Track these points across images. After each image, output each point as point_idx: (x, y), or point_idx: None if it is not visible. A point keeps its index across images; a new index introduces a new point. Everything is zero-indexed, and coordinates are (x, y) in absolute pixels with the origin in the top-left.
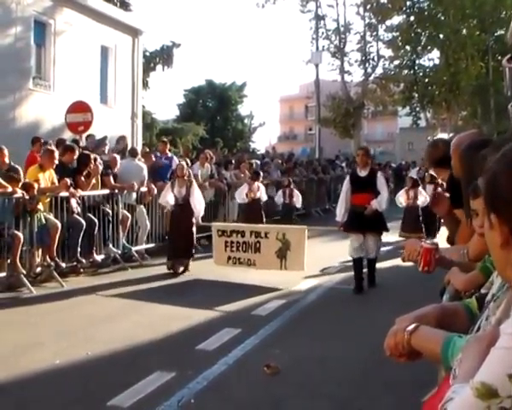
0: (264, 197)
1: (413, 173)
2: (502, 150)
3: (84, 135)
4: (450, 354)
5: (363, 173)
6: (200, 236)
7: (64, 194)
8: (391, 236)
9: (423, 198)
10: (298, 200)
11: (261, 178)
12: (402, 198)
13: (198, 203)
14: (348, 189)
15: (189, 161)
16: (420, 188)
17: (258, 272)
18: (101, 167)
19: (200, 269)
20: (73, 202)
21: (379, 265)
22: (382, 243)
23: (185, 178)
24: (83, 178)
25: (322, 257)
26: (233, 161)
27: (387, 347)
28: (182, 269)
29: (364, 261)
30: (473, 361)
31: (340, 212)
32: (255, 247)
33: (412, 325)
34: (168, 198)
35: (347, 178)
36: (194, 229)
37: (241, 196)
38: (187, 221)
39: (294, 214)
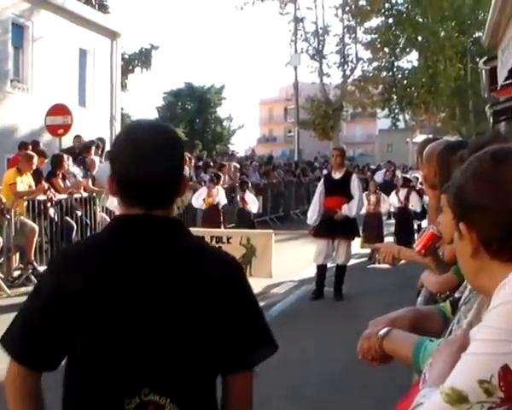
0: (224, 201)
1: (379, 176)
2: (468, 160)
3: (71, 135)
4: (421, 357)
5: (337, 175)
6: None
7: (41, 197)
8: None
9: (387, 205)
10: (253, 205)
11: (221, 182)
12: None
13: None
14: (322, 191)
15: None
16: (382, 194)
17: None
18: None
19: None
20: (51, 210)
21: (358, 269)
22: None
23: None
24: (60, 181)
25: (301, 260)
26: (211, 164)
27: (360, 350)
28: None
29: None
30: (443, 366)
31: (313, 215)
32: None
33: (384, 329)
34: (117, 202)
35: (321, 180)
36: None
37: (197, 200)
38: None
39: (262, 219)
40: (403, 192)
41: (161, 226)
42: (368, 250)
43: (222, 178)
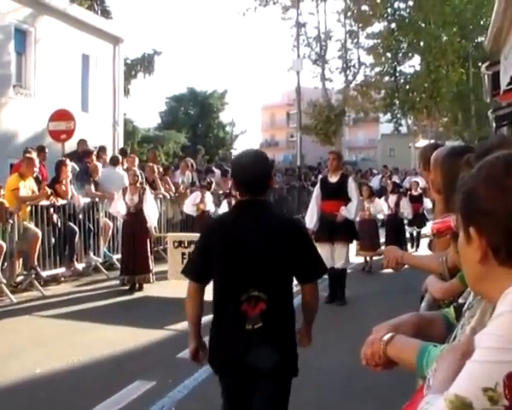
0: (212, 208)
1: (375, 182)
2: (478, 165)
3: (74, 140)
4: (424, 363)
5: (333, 179)
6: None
7: (44, 203)
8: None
9: (382, 208)
10: None
11: (213, 188)
12: None
13: (151, 212)
14: (318, 195)
15: (155, 168)
16: (377, 199)
17: None
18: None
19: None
20: (54, 216)
21: (360, 273)
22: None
23: (137, 185)
24: (63, 187)
25: None
26: (214, 169)
27: (364, 356)
28: (137, 286)
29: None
30: (447, 372)
31: (311, 219)
32: None
33: (388, 335)
34: (119, 207)
35: (318, 183)
36: (148, 240)
37: (189, 206)
38: (140, 231)
39: None
40: (392, 198)
41: (259, 204)
42: (362, 260)
43: (213, 185)
